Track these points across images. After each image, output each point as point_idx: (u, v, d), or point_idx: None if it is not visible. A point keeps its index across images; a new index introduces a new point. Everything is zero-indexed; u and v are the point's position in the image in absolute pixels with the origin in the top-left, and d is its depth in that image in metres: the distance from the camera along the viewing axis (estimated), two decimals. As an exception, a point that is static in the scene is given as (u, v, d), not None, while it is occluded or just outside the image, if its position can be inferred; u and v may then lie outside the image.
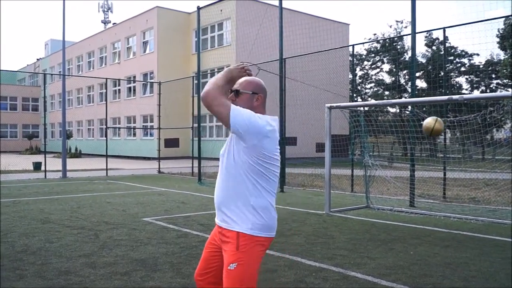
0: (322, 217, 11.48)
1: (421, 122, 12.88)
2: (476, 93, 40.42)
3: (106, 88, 30.44)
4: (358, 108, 13.95)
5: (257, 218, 3.44)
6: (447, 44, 38.01)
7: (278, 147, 3.54)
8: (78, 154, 47.65)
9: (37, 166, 27.21)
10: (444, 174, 14.96)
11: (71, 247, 8.02)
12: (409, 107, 16.46)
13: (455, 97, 10.66)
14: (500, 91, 39.22)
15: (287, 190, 17.31)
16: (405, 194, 14.14)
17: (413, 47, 13.81)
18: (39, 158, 30.84)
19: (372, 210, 12.66)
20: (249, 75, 3.61)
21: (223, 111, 3.33)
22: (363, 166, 13.58)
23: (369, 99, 50.66)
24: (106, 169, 25.61)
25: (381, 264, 7.06)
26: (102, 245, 8.19)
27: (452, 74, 43.00)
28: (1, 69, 52.68)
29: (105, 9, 72.63)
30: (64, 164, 23.80)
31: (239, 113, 3.33)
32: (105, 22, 71.87)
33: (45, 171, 23.12)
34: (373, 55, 51.89)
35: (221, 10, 37.95)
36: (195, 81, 25.13)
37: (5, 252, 7.66)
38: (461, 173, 15.47)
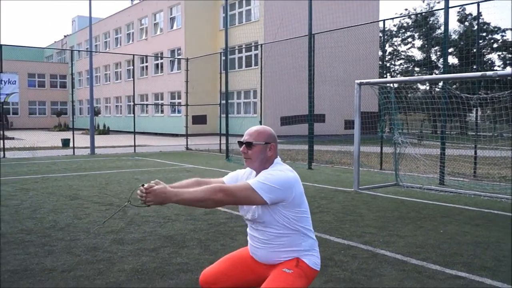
0: (350, 195, 11.41)
1: (453, 99, 12.72)
2: (509, 70, 39.71)
3: (133, 65, 30.52)
4: (388, 84, 13.75)
5: (311, 257, 3.51)
6: (479, 20, 37.34)
7: (301, 184, 3.52)
8: (106, 131, 47.99)
9: (65, 143, 27.46)
10: (475, 152, 14.75)
11: (99, 223, 8.07)
12: (440, 84, 16.22)
13: (489, 73, 10.44)
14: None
15: (315, 167, 17.24)
16: (435, 172, 13.98)
17: (446, 22, 13.57)
18: (67, 135, 31.11)
19: (401, 188, 12.55)
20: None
21: (255, 198, 3.24)
22: (393, 143, 13.43)
23: (398, 76, 50.11)
24: (134, 146, 25.75)
25: (410, 242, 6.99)
26: (130, 222, 8.22)
27: (484, 50, 42.29)
28: (29, 46, 53.00)
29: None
30: (92, 141, 23.99)
31: (265, 186, 3.25)
32: (132, -2, 71.92)
33: (74, 147, 23.32)
34: (403, 30, 51.23)
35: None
36: (223, 57, 25.04)
37: (34, 228, 7.74)
38: (492, 151, 15.23)
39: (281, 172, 3.37)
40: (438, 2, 46.88)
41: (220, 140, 24.66)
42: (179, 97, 42.91)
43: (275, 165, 3.50)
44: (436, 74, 39.47)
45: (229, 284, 3.68)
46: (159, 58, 46.36)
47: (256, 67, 35.21)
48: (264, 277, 3.50)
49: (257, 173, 3.50)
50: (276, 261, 3.49)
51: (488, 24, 42.56)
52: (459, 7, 40.91)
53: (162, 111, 47.16)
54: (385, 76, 34.02)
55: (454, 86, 14.67)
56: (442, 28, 16.65)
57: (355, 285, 5.21)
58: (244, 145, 3.50)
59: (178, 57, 42.06)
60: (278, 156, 3.60)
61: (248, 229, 3.68)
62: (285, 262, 3.45)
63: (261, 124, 21.26)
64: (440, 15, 43.04)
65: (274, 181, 3.26)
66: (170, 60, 45.10)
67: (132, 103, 29.80)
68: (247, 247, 3.77)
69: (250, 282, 3.69)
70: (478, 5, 14.72)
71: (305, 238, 3.49)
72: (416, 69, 49.28)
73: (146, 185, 3.14)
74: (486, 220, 8.61)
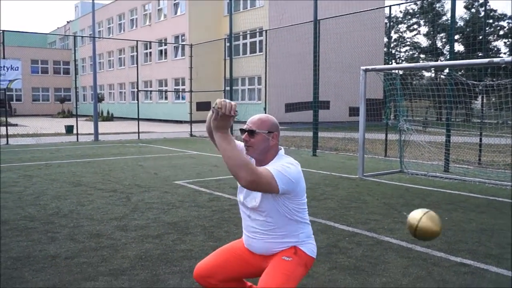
0: (355, 182, 11.38)
1: (458, 86, 12.64)
2: (515, 57, 39.46)
3: (137, 51, 30.43)
4: (394, 71, 13.67)
5: (308, 245, 3.51)
6: (486, 6, 37.11)
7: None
8: (110, 118, 48.00)
9: (69, 129, 27.47)
10: (480, 140, 14.69)
11: (103, 210, 8.06)
12: (446, 70, 16.12)
13: (495, 60, 10.38)
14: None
15: (319, 154, 17.20)
16: (440, 159, 13.94)
17: (453, 9, 13.48)
18: (71, 121, 31.09)
19: (406, 175, 12.51)
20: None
21: (274, 186, 3.16)
22: (398, 130, 13.38)
23: (403, 62, 49.93)
24: (138, 132, 25.72)
25: (415, 229, 6.94)
26: (133, 208, 8.21)
27: (490, 37, 42.09)
28: (32, 32, 52.92)
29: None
30: (96, 127, 23.99)
31: (284, 178, 3.20)
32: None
33: (77, 134, 23.35)
34: (409, 17, 50.97)
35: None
36: (227, 44, 24.94)
37: (37, 214, 7.72)
38: (497, 138, 15.17)
39: (293, 166, 3.33)
40: (445, -12, 46.61)
41: (224, 127, 24.49)
42: (183, 84, 42.81)
43: (286, 157, 3.45)
44: (442, 61, 39.31)
45: (225, 276, 3.65)
46: (163, 44, 46.22)
47: (261, 53, 35.04)
48: (261, 268, 3.48)
49: (257, 162, 3.44)
50: (273, 251, 3.47)
51: (495, 11, 42.36)
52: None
53: (166, 98, 47.10)
54: (390, 63, 33.89)
55: (460, 73, 14.58)
56: (449, 14, 16.55)
57: (359, 272, 5.19)
58: (246, 133, 3.44)
59: (182, 43, 41.89)
60: (282, 148, 3.55)
61: (243, 221, 3.63)
62: (282, 251, 3.44)
63: (265, 110, 21.25)
64: (447, 2, 42.87)
65: (292, 174, 3.24)
66: (174, 46, 44.96)
67: (136, 90, 29.72)
68: (241, 239, 3.74)
69: (246, 274, 3.67)
70: (485, -9, 14.58)
71: (302, 228, 3.49)
72: (422, 56, 49.08)
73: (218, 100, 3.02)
74: (491, 208, 8.57)
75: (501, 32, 43.68)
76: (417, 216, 3.37)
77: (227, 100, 3.03)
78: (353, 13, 19.92)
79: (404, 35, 52.95)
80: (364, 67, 12.45)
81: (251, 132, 3.41)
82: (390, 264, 5.48)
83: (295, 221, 3.43)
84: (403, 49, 53.64)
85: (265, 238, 3.47)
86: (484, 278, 5.06)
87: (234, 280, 3.72)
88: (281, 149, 3.52)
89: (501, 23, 43.76)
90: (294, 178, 3.25)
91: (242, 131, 3.47)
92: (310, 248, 3.49)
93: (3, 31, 20.56)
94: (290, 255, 3.39)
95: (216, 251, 3.80)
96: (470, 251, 5.95)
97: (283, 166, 3.27)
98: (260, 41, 37.72)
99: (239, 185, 3.34)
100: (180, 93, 43.76)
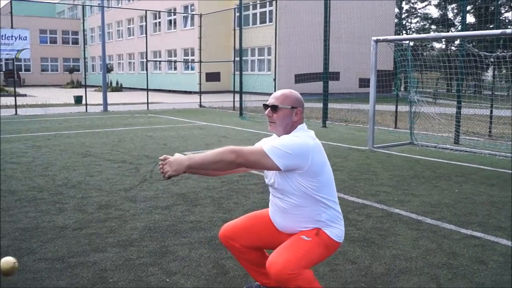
0: (365, 153, 11.33)
1: (470, 58, 12.49)
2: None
3: (146, 21, 30.26)
4: (404, 42, 13.54)
5: (333, 229, 3.41)
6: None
7: (325, 153, 3.42)
8: (119, 88, 47.90)
9: (78, 100, 27.46)
10: (491, 112, 14.58)
11: (112, 181, 8.05)
12: (457, 42, 15.94)
13: (508, 31, 10.23)
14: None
15: (329, 125, 17.14)
16: (450, 131, 13.85)
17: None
18: (80, 91, 31.00)
19: (416, 146, 12.45)
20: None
21: (266, 162, 3.14)
22: (408, 102, 13.29)
23: (414, 34, 49.48)
24: (147, 103, 25.68)
25: (425, 201, 6.92)
26: (142, 179, 8.19)
27: (502, 8, 41.56)
28: (40, 1, 52.59)
29: None
30: (104, 98, 23.95)
31: (278, 151, 3.13)
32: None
33: (86, 104, 23.30)
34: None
35: None
36: (237, 14, 24.76)
37: (46, 185, 7.72)
38: (508, 110, 15.05)
39: (297, 138, 3.26)
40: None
41: (234, 98, 24.53)
42: (193, 54, 42.61)
43: (297, 130, 3.38)
44: (453, 32, 38.93)
45: (249, 242, 3.64)
46: (172, 14, 45.89)
47: (271, 23, 34.78)
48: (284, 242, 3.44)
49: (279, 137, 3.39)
50: (295, 231, 3.41)
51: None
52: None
53: (175, 68, 46.91)
54: (401, 34, 33.55)
55: (471, 44, 14.39)
56: (461, -16, 16.28)
57: (369, 244, 5.16)
58: (269, 108, 3.38)
59: (192, 13, 41.60)
60: (304, 123, 3.48)
61: (270, 195, 3.61)
62: (304, 231, 3.37)
63: (275, 82, 21.18)
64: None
65: (288, 146, 3.15)
66: (184, 16, 44.64)
67: (145, 60, 29.63)
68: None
69: (269, 244, 3.62)
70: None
71: (326, 209, 3.38)
72: (433, 27, 48.61)
73: (161, 157, 3.14)
74: (501, 180, 8.51)
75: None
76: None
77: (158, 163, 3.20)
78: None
79: (415, 5, 52.43)
80: (375, 38, 12.32)
81: (274, 108, 3.36)
82: (400, 236, 5.45)
83: (315, 199, 3.33)
84: (414, 20, 53.19)
85: (286, 216, 3.42)
86: (495, 251, 5.02)
87: (257, 249, 3.72)
88: (303, 123, 3.46)
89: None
90: (292, 150, 3.14)
91: (265, 106, 3.42)
92: (334, 232, 3.39)
93: (11, 0, 20.44)
94: (311, 236, 3.31)
95: (246, 216, 3.80)
96: (480, 224, 5.91)
97: (281, 140, 3.23)
98: (270, 11, 37.37)
99: None
100: (190, 63, 43.58)
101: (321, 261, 3.46)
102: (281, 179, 3.31)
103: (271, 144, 3.16)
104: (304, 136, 3.30)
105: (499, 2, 37.71)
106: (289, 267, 3.06)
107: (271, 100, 3.40)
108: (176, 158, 3.09)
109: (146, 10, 30.02)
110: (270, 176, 3.44)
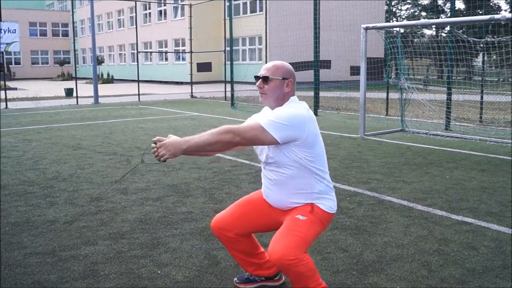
0: (356, 141, 11.34)
1: (459, 44, 12.52)
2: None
3: (136, 12, 30.10)
4: (394, 29, 13.54)
5: (326, 201, 3.43)
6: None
7: (317, 124, 3.40)
8: (110, 80, 47.67)
9: (69, 92, 27.29)
10: (481, 98, 14.62)
11: (103, 173, 8.03)
12: (447, 28, 15.96)
13: (497, 16, 10.30)
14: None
15: (320, 113, 17.12)
16: (441, 118, 13.89)
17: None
18: (71, 84, 30.82)
19: (407, 133, 12.47)
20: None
21: (265, 137, 3.13)
22: (399, 89, 13.31)
23: (404, 20, 49.51)
24: (138, 94, 25.55)
25: (416, 188, 6.94)
26: (134, 171, 8.18)
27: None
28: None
29: None
30: (95, 90, 23.85)
31: (276, 124, 3.13)
32: None
33: (77, 97, 23.20)
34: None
35: None
36: (227, 3, 24.65)
37: (36, 179, 7.69)
38: (498, 96, 15.10)
39: (292, 109, 3.27)
40: None
41: (225, 88, 24.48)
42: (183, 45, 42.44)
43: (290, 102, 3.38)
44: (443, 19, 38.93)
45: (243, 230, 3.66)
46: (162, 4, 45.69)
47: (261, 13, 34.69)
48: (279, 222, 3.46)
49: (272, 110, 3.39)
50: (289, 205, 3.43)
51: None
52: None
53: (166, 59, 46.78)
54: (391, 21, 33.53)
55: (461, 30, 14.45)
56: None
57: (360, 232, 5.17)
58: (260, 80, 3.38)
59: (182, 3, 41.43)
60: (296, 95, 3.48)
61: (262, 172, 3.61)
62: (298, 208, 3.38)
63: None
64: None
65: (285, 118, 3.15)
66: (174, 7, 44.45)
67: (135, 51, 29.50)
68: (260, 189, 3.70)
69: (264, 226, 3.66)
70: None
71: (318, 181, 3.40)
72: (423, 13, 48.63)
73: (155, 138, 3.12)
74: (492, 165, 8.55)
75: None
76: None
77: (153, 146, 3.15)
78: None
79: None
80: (364, 25, 12.31)
81: (265, 79, 3.36)
82: (391, 223, 5.46)
83: (309, 171, 3.34)
84: (404, 7, 53.17)
85: (279, 189, 3.42)
86: (486, 236, 5.04)
87: (249, 237, 3.74)
88: (294, 95, 3.46)
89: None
90: (289, 121, 3.15)
91: (256, 77, 3.42)
92: (327, 204, 3.42)
93: (-1, -7, 20.30)
94: (306, 213, 3.33)
95: (235, 204, 3.79)
96: (471, 210, 5.93)
97: (277, 112, 3.23)
98: (260, 0, 37.30)
99: None
100: (180, 54, 43.43)
101: (317, 237, 3.49)
102: (275, 151, 3.31)
103: (268, 118, 3.16)
104: (298, 107, 3.31)
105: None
106: (289, 254, 3.08)
107: (262, 71, 3.40)
108: (172, 141, 3.07)
109: (136, 1, 29.81)
110: (263, 152, 3.44)
